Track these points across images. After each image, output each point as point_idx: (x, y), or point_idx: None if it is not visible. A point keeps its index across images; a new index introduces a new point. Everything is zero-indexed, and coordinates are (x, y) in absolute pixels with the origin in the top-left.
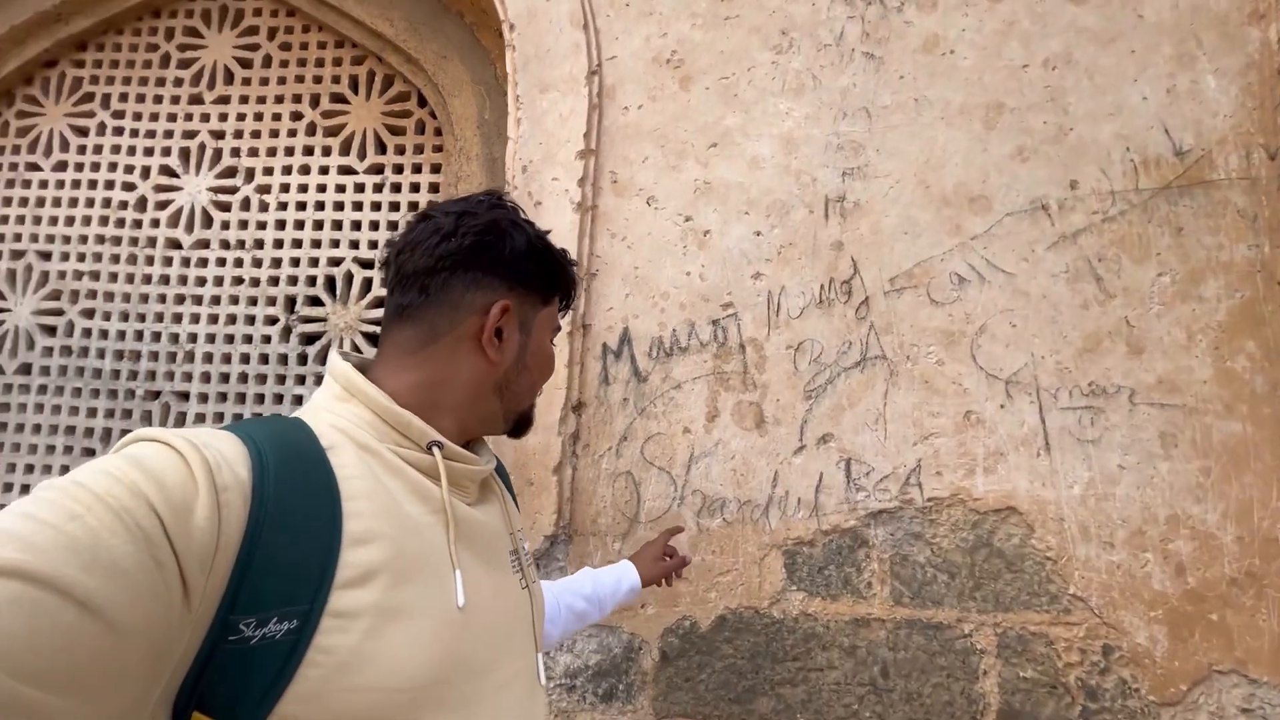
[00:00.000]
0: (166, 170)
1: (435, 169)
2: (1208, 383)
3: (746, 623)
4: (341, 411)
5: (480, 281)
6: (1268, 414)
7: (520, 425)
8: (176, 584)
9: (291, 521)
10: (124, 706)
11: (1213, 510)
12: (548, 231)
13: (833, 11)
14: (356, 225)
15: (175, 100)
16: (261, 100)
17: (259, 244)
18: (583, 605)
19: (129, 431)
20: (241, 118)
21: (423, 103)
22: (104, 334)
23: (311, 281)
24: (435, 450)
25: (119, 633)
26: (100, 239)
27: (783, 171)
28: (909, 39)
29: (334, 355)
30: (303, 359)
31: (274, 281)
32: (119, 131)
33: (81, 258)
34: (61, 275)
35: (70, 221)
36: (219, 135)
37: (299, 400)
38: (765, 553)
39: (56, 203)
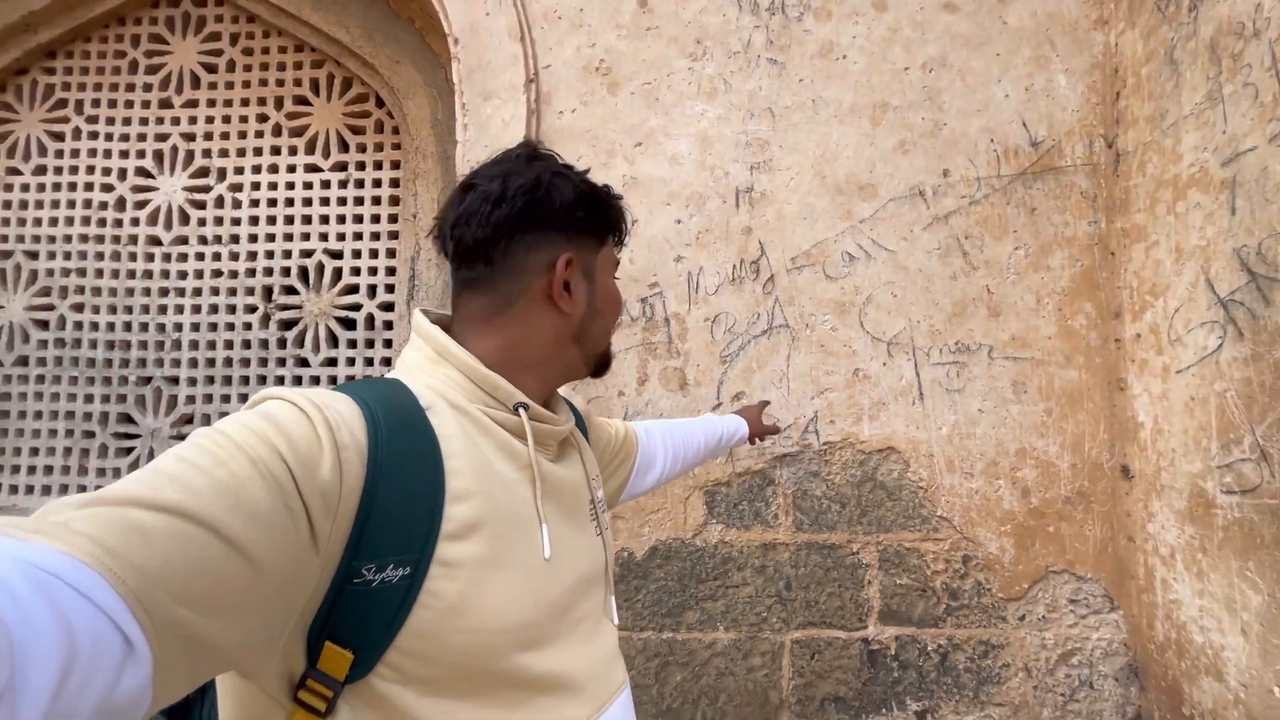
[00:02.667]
0: (142, 171)
1: (395, 165)
2: (1052, 338)
3: (674, 551)
4: (435, 373)
5: (539, 241)
6: (1099, 363)
7: (602, 365)
8: (305, 529)
9: (401, 479)
10: (262, 633)
11: (1053, 443)
12: (587, 171)
13: (741, 22)
14: (325, 219)
15: (146, 105)
16: (228, 103)
17: (235, 239)
18: (700, 445)
19: (124, 416)
20: (210, 120)
21: (380, 104)
22: (94, 326)
23: (286, 272)
24: (521, 411)
25: (258, 568)
26: (84, 238)
27: (699, 167)
28: (808, 45)
29: (420, 317)
30: (282, 343)
31: (251, 273)
32: (94, 135)
33: (68, 256)
34: (50, 273)
35: (54, 222)
36: (190, 137)
37: (281, 380)
38: (689, 494)
39: (39, 205)
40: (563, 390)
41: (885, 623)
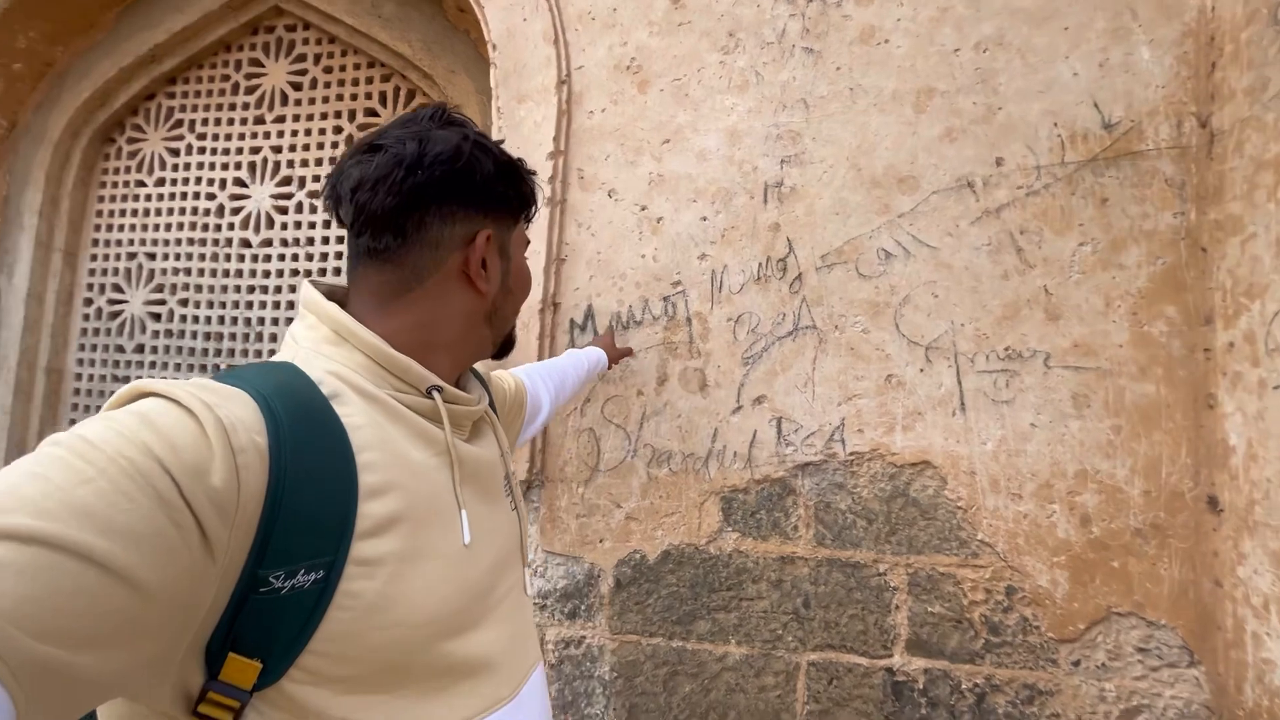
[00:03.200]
0: (238, 181)
1: None
2: (1124, 346)
3: (687, 557)
4: (335, 355)
5: (457, 214)
6: (1183, 376)
7: (505, 346)
8: (197, 542)
9: (309, 479)
10: (153, 658)
11: (1121, 466)
12: (501, 141)
13: (776, 11)
14: None
15: (244, 122)
16: (310, 118)
17: (310, 241)
18: (573, 381)
19: None
20: (295, 134)
21: None
22: (195, 319)
23: None
24: (435, 395)
25: (142, 592)
26: (190, 241)
27: (727, 162)
28: (846, 31)
29: (312, 291)
30: None
31: (322, 273)
32: (202, 150)
33: (178, 257)
34: (164, 272)
35: (169, 227)
36: (277, 150)
37: None
38: (705, 498)
39: (158, 212)
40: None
41: (913, 653)
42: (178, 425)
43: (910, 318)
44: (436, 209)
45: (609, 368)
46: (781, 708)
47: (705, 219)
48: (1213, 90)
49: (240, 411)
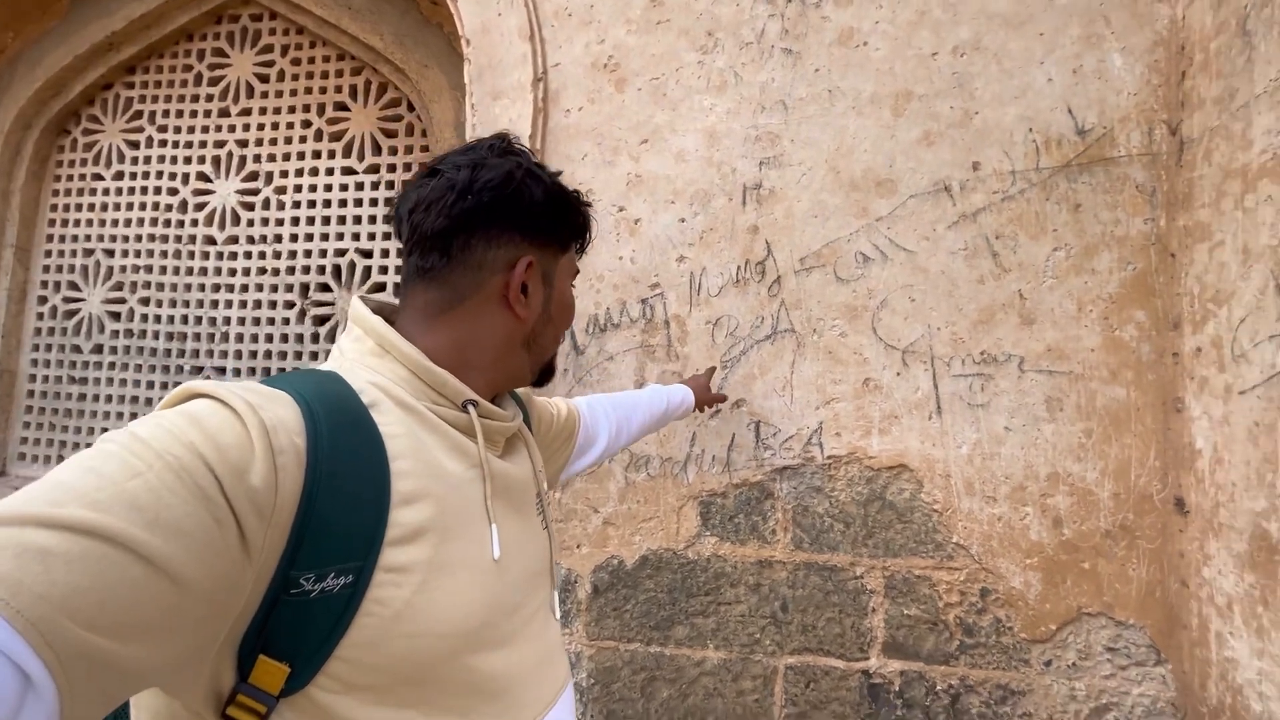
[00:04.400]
0: (202, 176)
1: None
2: (1095, 350)
3: (665, 562)
4: (377, 367)
5: (501, 239)
6: (1151, 380)
7: (545, 374)
8: (235, 541)
9: (344, 483)
10: (188, 652)
11: (1092, 469)
12: (558, 173)
13: (755, 11)
14: (358, 219)
15: (207, 114)
16: (277, 111)
17: (278, 238)
18: (645, 419)
19: None
20: (261, 127)
21: (411, 107)
22: (157, 319)
23: (321, 270)
24: (471, 409)
25: (182, 587)
26: (152, 237)
27: (705, 163)
28: (825, 33)
29: (361, 306)
30: (315, 338)
31: (291, 271)
32: (163, 143)
33: (138, 254)
34: (123, 269)
35: (128, 223)
36: (243, 144)
37: None
38: (683, 503)
39: (117, 207)
40: None
41: (890, 655)
42: (224, 425)
43: (887, 321)
44: (482, 232)
45: (697, 410)
46: (759, 711)
47: (684, 220)
48: (1183, 98)
49: (283, 413)
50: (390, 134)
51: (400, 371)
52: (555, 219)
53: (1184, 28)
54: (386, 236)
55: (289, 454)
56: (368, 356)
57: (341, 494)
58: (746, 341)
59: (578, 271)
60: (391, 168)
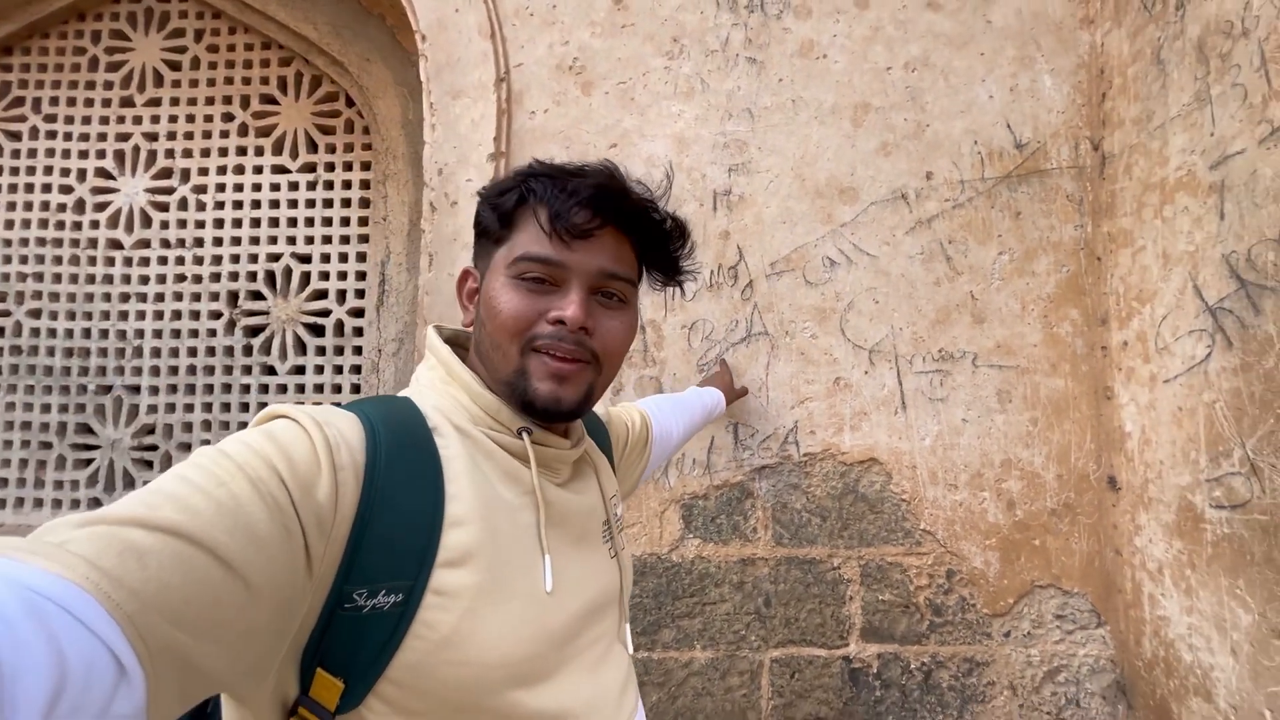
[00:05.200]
0: (103, 173)
1: (366, 166)
2: (1037, 346)
3: (650, 567)
4: (444, 393)
5: (479, 251)
6: (1085, 371)
7: (529, 401)
8: (301, 551)
9: (398, 502)
10: (256, 657)
11: (1038, 454)
12: (542, 162)
13: (719, 19)
14: (293, 222)
15: (107, 103)
16: (193, 102)
17: (199, 242)
18: (699, 420)
19: (83, 426)
20: (174, 120)
21: (350, 103)
22: (52, 333)
23: (252, 277)
24: (524, 436)
25: (253, 591)
26: (41, 241)
27: (676, 169)
28: (787, 44)
29: (432, 334)
30: (248, 350)
31: (215, 278)
32: (52, 135)
33: (24, 260)
34: (5, 277)
35: (10, 225)
36: (152, 137)
37: (246, 389)
38: (665, 507)
39: None
40: None
41: (867, 640)
42: (295, 441)
43: (854, 323)
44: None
45: (725, 408)
46: (747, 706)
47: None
48: (1104, 117)
49: (346, 431)
50: (327, 130)
51: (463, 398)
52: (485, 215)
53: (1103, 53)
54: (326, 240)
55: (348, 470)
56: (437, 383)
57: (396, 511)
58: (722, 345)
59: (520, 260)
60: (330, 166)
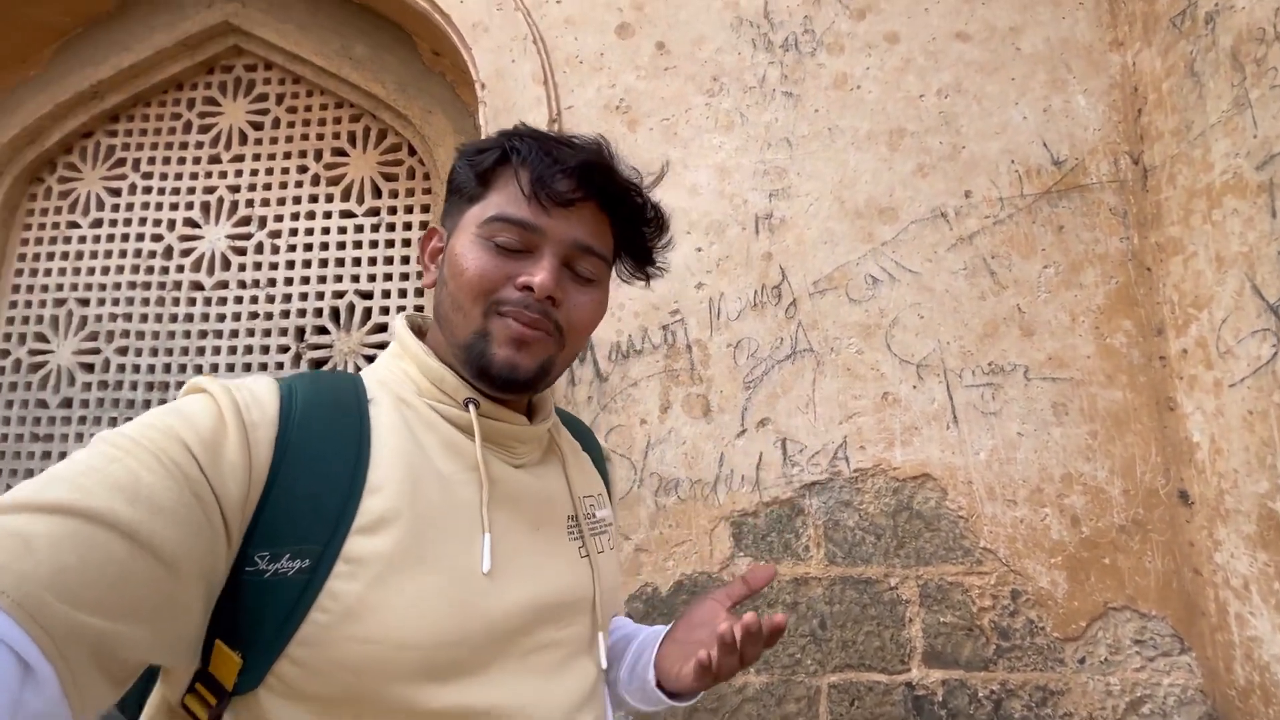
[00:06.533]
0: (189, 222)
1: (425, 209)
2: (1091, 357)
3: (700, 586)
4: (392, 366)
5: (446, 218)
6: (1144, 382)
7: (484, 366)
8: (217, 517)
9: (310, 461)
10: (184, 632)
11: (1101, 468)
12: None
13: (755, 59)
14: (357, 261)
15: (197, 161)
16: (272, 157)
17: (271, 282)
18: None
19: None
20: (254, 173)
21: (412, 152)
22: (136, 369)
23: (319, 313)
24: (471, 407)
25: (168, 562)
26: (132, 285)
27: (718, 196)
28: (821, 78)
29: (399, 318)
30: None
31: (285, 314)
32: (148, 190)
33: (116, 302)
34: (98, 319)
35: (105, 271)
36: (235, 189)
37: None
38: (715, 524)
39: (93, 255)
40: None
41: (930, 665)
42: (200, 408)
43: (900, 338)
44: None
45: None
46: None
47: (700, 250)
48: (1141, 132)
49: (259, 391)
50: (391, 177)
51: (411, 370)
52: (457, 171)
53: (1135, 72)
54: (388, 277)
55: (262, 427)
56: (389, 359)
57: (309, 472)
58: (768, 362)
59: (493, 219)
60: (392, 210)
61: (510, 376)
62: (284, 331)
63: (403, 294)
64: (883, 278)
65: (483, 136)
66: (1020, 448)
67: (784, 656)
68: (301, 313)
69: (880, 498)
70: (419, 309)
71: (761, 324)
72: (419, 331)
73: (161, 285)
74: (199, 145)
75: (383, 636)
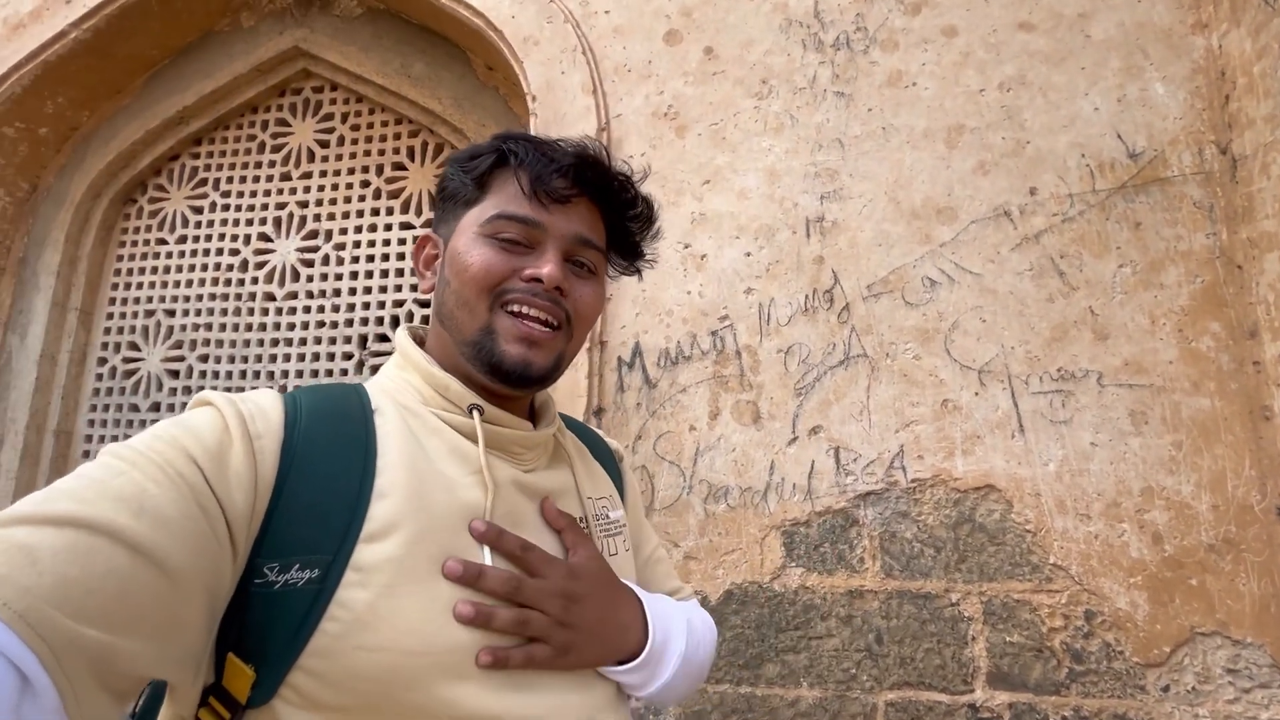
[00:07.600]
0: (263, 236)
1: None
2: (1174, 363)
3: (751, 596)
4: (395, 377)
5: (440, 224)
6: (1235, 389)
7: (496, 362)
8: (223, 529)
9: (317, 471)
10: (187, 646)
11: (1186, 481)
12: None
13: (805, 59)
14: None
15: (269, 179)
16: (337, 173)
17: (337, 292)
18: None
19: None
20: (321, 189)
21: None
22: (215, 375)
23: (380, 321)
24: (475, 414)
25: (172, 575)
26: (212, 296)
27: (767, 199)
28: (875, 76)
29: (401, 330)
30: None
31: (349, 323)
32: (226, 208)
33: (199, 313)
34: (183, 328)
35: (190, 284)
36: (304, 204)
37: None
38: (765, 533)
39: (179, 269)
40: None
41: (995, 687)
42: (205, 421)
43: (960, 342)
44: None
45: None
46: None
47: (749, 254)
48: (1229, 119)
49: (263, 403)
50: None
51: (414, 380)
52: (448, 181)
53: (1221, 55)
54: None
55: (267, 438)
56: (393, 370)
57: (316, 482)
58: (820, 368)
59: (495, 217)
60: None
61: (525, 374)
62: (348, 339)
63: None
64: (941, 280)
65: None
66: (1094, 459)
67: (838, 671)
68: (364, 321)
69: (940, 509)
70: None
71: (813, 329)
72: (419, 342)
73: (238, 296)
74: (271, 164)
75: (391, 644)
